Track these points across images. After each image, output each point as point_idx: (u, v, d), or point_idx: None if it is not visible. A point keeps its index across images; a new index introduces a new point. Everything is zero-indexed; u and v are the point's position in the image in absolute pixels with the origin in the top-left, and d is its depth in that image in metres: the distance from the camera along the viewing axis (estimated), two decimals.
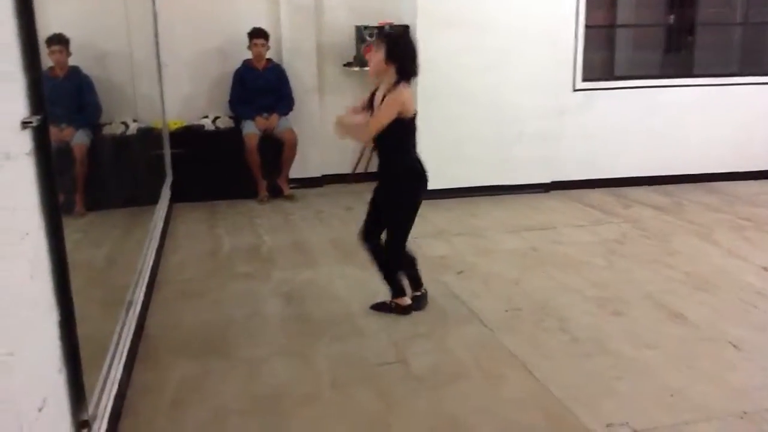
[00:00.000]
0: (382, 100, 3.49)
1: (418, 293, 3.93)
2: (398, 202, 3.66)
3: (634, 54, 7.27)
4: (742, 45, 7.31)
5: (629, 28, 7.09)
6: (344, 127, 3.67)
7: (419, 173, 3.62)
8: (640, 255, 4.87)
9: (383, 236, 3.78)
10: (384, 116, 3.43)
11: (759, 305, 3.94)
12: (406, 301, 3.85)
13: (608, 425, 2.75)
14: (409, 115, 3.49)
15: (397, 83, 3.47)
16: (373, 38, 3.75)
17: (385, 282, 3.85)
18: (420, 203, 3.69)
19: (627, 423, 2.76)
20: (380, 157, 3.67)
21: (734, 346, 3.43)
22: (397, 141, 3.54)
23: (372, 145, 3.71)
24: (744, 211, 5.97)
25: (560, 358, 3.36)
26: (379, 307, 3.91)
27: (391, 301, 3.88)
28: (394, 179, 3.63)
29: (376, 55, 3.50)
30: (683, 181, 6.92)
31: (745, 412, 2.83)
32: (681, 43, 7.13)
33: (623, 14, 6.98)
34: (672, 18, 7.01)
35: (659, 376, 3.15)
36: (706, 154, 7.01)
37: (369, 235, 3.83)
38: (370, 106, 3.64)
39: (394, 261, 3.79)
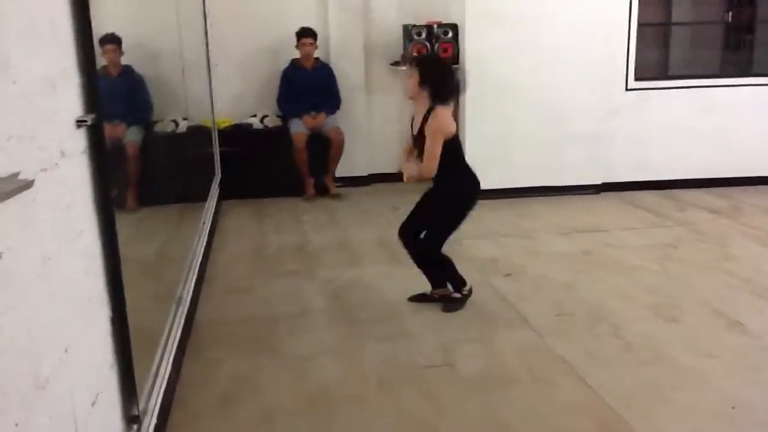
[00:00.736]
0: (421, 125, 3.58)
1: (460, 294, 3.92)
2: (448, 212, 3.74)
3: (690, 52, 7.05)
4: None
5: (685, 26, 6.88)
6: (411, 176, 3.75)
7: (471, 190, 3.73)
8: (695, 260, 4.72)
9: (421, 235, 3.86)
10: (434, 149, 3.52)
11: None
12: (449, 290, 3.89)
13: None
14: (451, 135, 3.58)
15: (432, 107, 3.55)
16: (406, 62, 3.94)
17: (424, 274, 3.90)
18: (469, 212, 3.77)
19: None
20: (434, 181, 3.72)
21: None
22: (447, 162, 3.58)
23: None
24: None
25: (614, 365, 3.26)
26: (419, 298, 3.96)
27: (432, 292, 3.92)
28: (448, 194, 3.71)
29: (410, 81, 3.58)
30: (741, 184, 6.68)
31: None
32: (740, 41, 6.90)
33: (679, 11, 6.79)
34: (730, 15, 6.78)
35: (718, 386, 3.03)
36: (764, 155, 6.76)
37: (407, 232, 3.88)
38: (411, 132, 3.76)
39: (428, 255, 3.82)
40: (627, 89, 6.52)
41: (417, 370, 3.23)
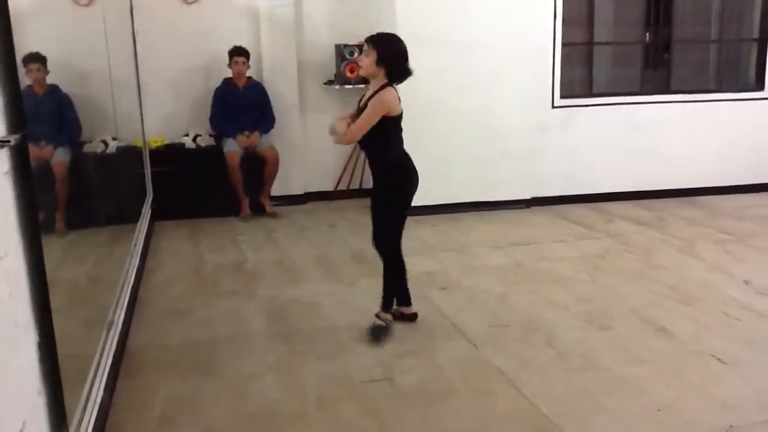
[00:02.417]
0: (366, 102, 3.56)
1: (391, 316, 3.84)
2: (389, 194, 3.65)
3: (613, 71, 7.34)
4: (718, 62, 7.42)
5: (606, 45, 7.16)
6: (335, 132, 3.65)
7: (408, 167, 3.65)
8: (623, 270, 4.89)
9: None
10: (366, 121, 3.49)
11: (742, 318, 3.96)
12: (388, 316, 3.81)
13: None
14: (395, 114, 3.52)
15: (384, 86, 3.51)
16: (358, 51, 3.77)
17: (385, 290, 3.80)
18: (410, 201, 3.70)
19: None
20: (369, 156, 3.74)
21: (719, 360, 3.43)
22: (383, 138, 3.56)
23: (360, 149, 3.82)
24: (726, 224, 6.03)
25: (547, 373, 3.34)
26: (377, 332, 3.73)
27: (380, 315, 3.80)
28: (384, 174, 3.65)
29: (367, 59, 3.52)
30: (664, 196, 6.97)
31: (731, 426, 2.83)
32: (658, 60, 7.23)
33: (602, 32, 7.06)
34: (648, 35, 7.10)
35: (647, 391, 3.14)
36: (686, 168, 7.08)
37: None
38: (359, 110, 3.66)
39: (396, 263, 3.74)
40: (553, 107, 6.73)
41: (357, 386, 3.23)
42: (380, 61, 3.49)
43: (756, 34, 7.22)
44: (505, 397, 3.10)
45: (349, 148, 7.06)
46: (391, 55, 3.51)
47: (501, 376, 3.29)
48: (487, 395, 3.12)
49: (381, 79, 3.53)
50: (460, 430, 2.85)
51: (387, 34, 3.63)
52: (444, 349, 3.61)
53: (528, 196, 6.72)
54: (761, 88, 7.18)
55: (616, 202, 6.82)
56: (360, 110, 3.63)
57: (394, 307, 3.88)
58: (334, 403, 3.08)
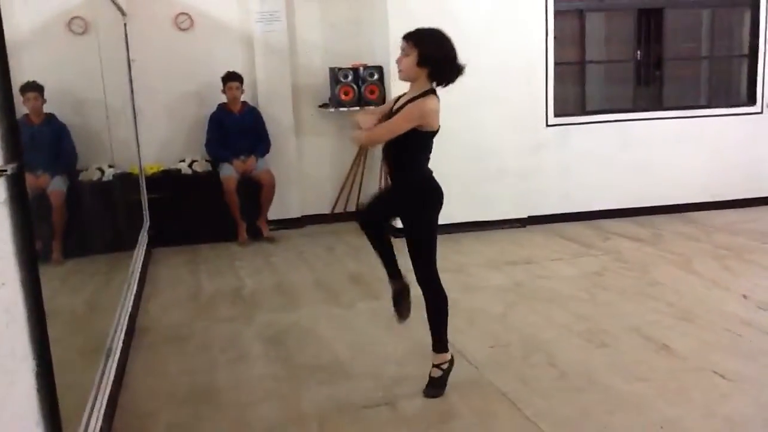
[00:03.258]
0: (404, 106, 3.08)
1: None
2: (422, 219, 3.19)
3: (606, 89, 7.39)
4: (709, 78, 7.49)
5: (599, 64, 7.21)
6: (357, 127, 3.20)
7: (436, 188, 3.20)
8: (622, 287, 4.88)
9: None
10: (397, 125, 3.01)
11: (743, 334, 3.95)
12: (445, 358, 3.31)
13: None
14: (431, 129, 3.07)
15: (427, 92, 3.05)
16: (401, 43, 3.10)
17: (436, 331, 3.28)
18: (437, 224, 3.26)
19: None
20: (391, 170, 3.27)
21: (722, 376, 3.42)
22: (411, 153, 3.11)
23: (382, 159, 3.43)
24: (722, 240, 6.04)
25: (550, 393, 3.32)
26: (437, 385, 3.29)
27: (438, 363, 3.29)
28: (412, 195, 3.19)
29: (407, 59, 3.04)
30: (660, 212, 6.99)
31: None
32: (650, 78, 7.28)
33: (594, 50, 7.12)
34: (639, 53, 7.16)
35: (650, 409, 3.12)
36: (681, 184, 7.10)
37: (371, 217, 3.40)
38: (391, 112, 3.19)
39: (437, 292, 3.24)
40: (547, 125, 6.77)
41: (358, 411, 3.20)
42: (422, 62, 3.00)
43: (746, 50, 7.28)
44: (507, 419, 3.08)
45: (344, 170, 7.08)
46: (435, 54, 3.01)
47: (503, 398, 3.26)
48: (489, 417, 3.10)
49: (424, 82, 3.05)
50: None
51: (430, 29, 3.07)
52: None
53: (524, 215, 6.73)
54: (752, 103, 7.23)
55: (612, 219, 6.83)
56: (392, 113, 3.15)
57: (392, 289, 3.47)
58: (335, 430, 3.05)
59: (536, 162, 6.68)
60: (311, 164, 7.17)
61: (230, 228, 6.56)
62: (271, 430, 3.07)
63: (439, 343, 3.30)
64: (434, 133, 3.09)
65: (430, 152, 3.17)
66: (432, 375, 3.31)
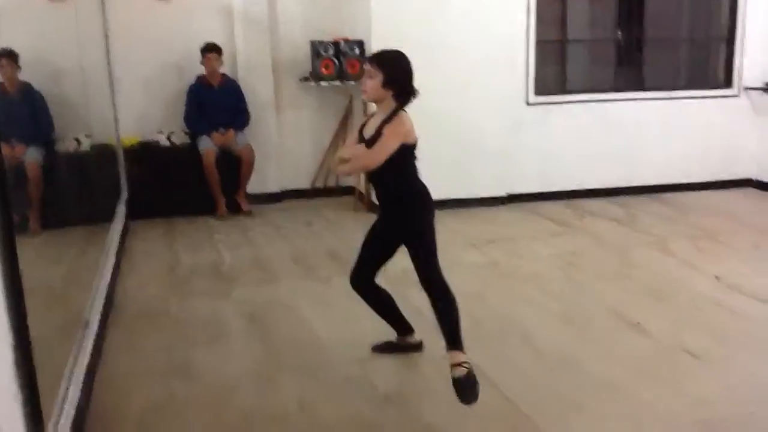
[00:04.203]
0: (379, 128, 3.11)
1: (411, 340, 3.57)
2: (421, 226, 3.23)
3: (588, 69, 7.42)
4: (689, 60, 7.53)
5: (580, 43, 7.22)
6: (345, 161, 3.26)
7: (427, 194, 3.26)
8: (597, 267, 4.95)
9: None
10: (388, 145, 3.05)
11: (714, 314, 4.03)
12: (461, 358, 3.09)
13: None
14: (412, 142, 3.15)
15: (396, 110, 3.12)
16: (365, 61, 3.30)
17: (448, 331, 3.13)
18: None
19: None
20: (384, 187, 3.27)
21: (693, 355, 3.49)
22: (400, 168, 3.15)
23: (368, 178, 3.47)
24: (697, 221, 6.13)
25: (526, 372, 3.37)
26: (466, 386, 3.00)
27: (457, 363, 3.05)
28: (408, 205, 3.23)
29: (372, 81, 3.10)
30: (637, 193, 7.06)
31: (705, 421, 2.89)
32: (631, 59, 7.31)
33: (577, 30, 7.12)
34: (620, 34, 7.18)
35: (623, 388, 3.18)
36: (658, 165, 7.17)
37: (363, 277, 3.40)
38: (361, 137, 3.23)
39: (444, 294, 3.17)
40: (528, 104, 6.78)
41: (337, 387, 3.23)
42: (388, 83, 3.08)
43: (724, 32, 7.33)
44: (485, 397, 3.10)
45: (324, 145, 7.06)
46: (399, 76, 3.11)
47: (479, 375, 3.29)
48: None
49: (389, 102, 3.12)
50: (439, 429, 2.86)
51: (392, 51, 3.18)
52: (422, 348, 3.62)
53: (503, 194, 6.77)
54: (729, 86, 7.30)
55: (590, 198, 6.89)
56: (367, 141, 3.17)
57: (396, 339, 3.58)
58: (314, 406, 3.07)
59: (516, 141, 6.70)
60: (291, 138, 7.13)
61: (209, 201, 6.52)
62: (250, 406, 3.08)
63: (455, 342, 3.11)
64: (415, 145, 3.17)
65: (415, 163, 3.24)
66: (455, 376, 3.01)
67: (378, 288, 3.43)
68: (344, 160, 3.26)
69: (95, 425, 2.91)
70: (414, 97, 3.15)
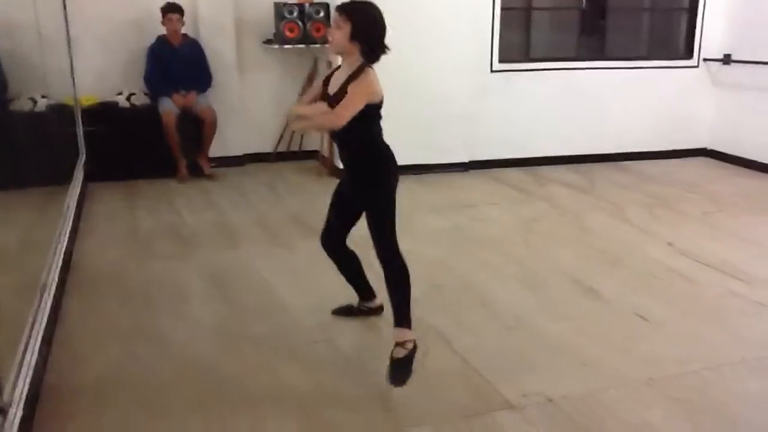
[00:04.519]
0: (344, 85, 2.92)
1: (371, 304, 3.54)
2: (381, 193, 3.07)
3: (551, 36, 7.45)
4: (651, 30, 7.62)
5: (544, 11, 7.24)
6: (304, 118, 3.09)
7: (392, 157, 3.10)
8: (555, 232, 5.05)
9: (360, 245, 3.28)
10: (354, 103, 2.86)
11: (665, 279, 4.16)
12: (407, 336, 3.02)
13: (524, 395, 2.86)
14: (378, 100, 2.96)
15: (362, 67, 2.91)
16: (333, 14, 2.96)
17: (397, 305, 3.04)
18: (395, 196, 3.13)
19: (542, 392, 2.88)
20: (346, 148, 3.11)
21: (643, 317, 3.62)
22: (364, 128, 2.98)
23: (331, 136, 3.30)
24: (653, 189, 6.27)
25: (481, 332, 3.46)
26: (398, 368, 2.94)
27: (401, 342, 3.00)
28: (370, 168, 3.06)
29: (339, 32, 2.89)
30: (597, 161, 7.18)
31: (651, 379, 3.01)
32: (594, 27, 7.37)
33: None
34: (584, 2, 7.22)
35: (574, 347, 3.30)
36: (618, 134, 7.29)
37: (333, 239, 3.33)
38: (325, 92, 3.06)
39: (399, 268, 3.07)
40: (492, 71, 6.81)
41: (297, 347, 3.28)
42: (355, 36, 2.87)
43: (686, 3, 7.42)
44: (440, 355, 3.20)
45: (288, 108, 6.99)
46: (368, 29, 2.90)
47: (436, 336, 3.38)
48: (422, 354, 3.18)
49: (356, 57, 2.92)
50: (397, 389, 2.91)
51: (365, 2, 2.95)
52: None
53: (466, 160, 6.82)
54: (689, 56, 7.42)
55: (550, 165, 7.00)
56: (330, 97, 3.00)
57: (357, 303, 3.56)
58: (274, 365, 3.12)
59: (480, 107, 6.74)
60: (254, 101, 7.06)
61: (170, 164, 6.46)
62: (209, 367, 3.11)
63: (403, 318, 3.03)
64: (381, 103, 2.98)
65: (380, 121, 3.06)
66: (394, 355, 2.96)
67: (348, 251, 3.38)
68: (301, 117, 3.08)
69: (54, 384, 2.92)
70: (383, 53, 2.95)
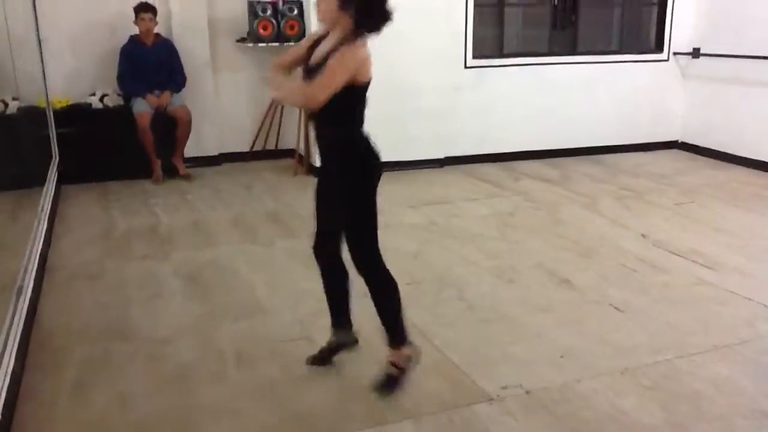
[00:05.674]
0: (327, 56, 2.52)
1: (345, 338, 3.06)
2: (357, 188, 2.68)
3: (524, 31, 7.51)
4: (621, 24, 7.72)
5: (517, 6, 7.30)
6: (281, 87, 2.79)
7: (374, 151, 2.73)
8: (530, 226, 5.11)
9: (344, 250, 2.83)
10: (333, 79, 2.45)
11: (638, 270, 4.24)
12: (404, 352, 2.80)
13: (503, 387, 2.91)
14: (365, 80, 2.58)
15: (350, 37, 2.51)
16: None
17: (387, 323, 2.78)
18: (375, 196, 2.75)
19: (521, 384, 2.93)
20: (323, 137, 2.72)
21: (617, 308, 3.69)
22: (345, 115, 2.60)
23: (309, 116, 2.91)
24: (626, 181, 6.36)
25: (458, 325, 3.50)
26: (386, 385, 2.78)
27: (393, 361, 2.79)
28: (348, 166, 2.68)
29: (327, 2, 2.54)
30: (570, 154, 7.27)
31: (626, 368, 3.06)
32: (566, 21, 7.44)
33: None
34: None
35: (550, 338, 3.35)
36: (591, 128, 7.39)
37: (325, 247, 2.90)
38: (308, 59, 2.67)
39: (383, 280, 2.75)
40: (466, 67, 6.85)
41: (275, 345, 3.29)
42: (346, 4, 2.51)
43: None
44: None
45: (263, 107, 6.99)
46: None
47: (414, 329, 3.38)
48: None
49: (345, 27, 2.54)
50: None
51: None
52: (360, 307, 3.67)
53: (441, 156, 6.87)
54: (660, 50, 7.53)
55: (524, 160, 7.07)
56: (310, 67, 2.62)
57: (328, 343, 3.08)
58: (252, 363, 3.13)
59: (454, 103, 6.78)
60: (229, 101, 7.04)
61: (144, 165, 6.41)
62: (188, 364, 3.12)
63: (396, 335, 2.77)
64: (368, 85, 2.62)
65: (365, 109, 2.70)
66: (386, 373, 2.81)
67: (341, 265, 2.92)
68: (280, 84, 2.77)
69: (32, 386, 2.90)
70: (381, 25, 2.55)
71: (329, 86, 2.45)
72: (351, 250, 2.70)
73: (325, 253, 2.91)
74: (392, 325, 2.76)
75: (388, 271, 2.74)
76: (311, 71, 2.57)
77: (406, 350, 2.80)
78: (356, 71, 2.51)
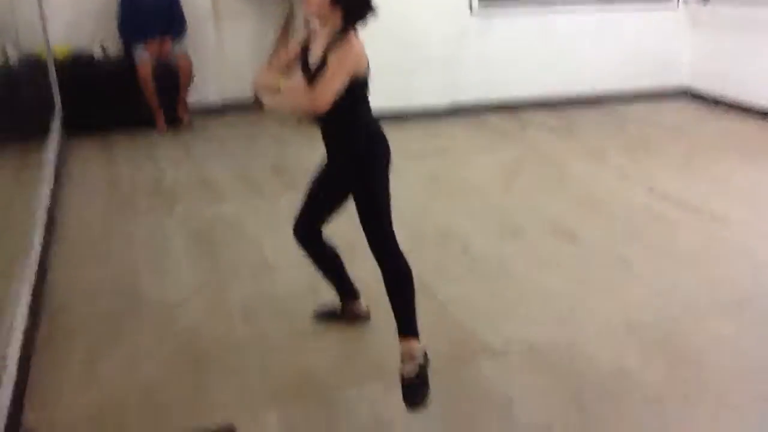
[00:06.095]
0: (325, 55, 2.48)
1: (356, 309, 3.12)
2: (372, 180, 2.65)
3: None
4: None
5: None
6: (276, 94, 2.70)
7: (383, 139, 2.71)
8: (536, 179, 5.07)
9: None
10: (337, 80, 2.41)
11: (646, 224, 4.22)
12: (416, 349, 2.63)
13: (506, 342, 2.93)
14: (364, 73, 2.55)
15: (343, 33, 2.48)
16: None
17: (399, 311, 2.69)
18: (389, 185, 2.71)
19: (524, 340, 2.95)
20: (328, 130, 2.66)
21: (624, 262, 3.68)
22: (349, 107, 2.53)
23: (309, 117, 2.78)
24: (634, 132, 6.29)
25: (462, 281, 3.51)
26: (412, 388, 2.54)
27: (409, 355, 2.61)
28: (358, 153, 2.63)
29: None
30: (578, 103, 7.17)
31: (629, 325, 3.08)
32: None
33: None
34: None
35: (555, 294, 3.36)
36: (599, 76, 7.26)
37: (308, 228, 2.89)
38: (304, 63, 2.60)
39: (397, 268, 2.69)
40: (471, 14, 6.71)
41: (282, 302, 3.31)
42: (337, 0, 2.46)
43: None
44: (422, 305, 3.19)
45: (266, 54, 6.87)
46: None
47: (418, 285, 3.37)
48: None
49: (337, 22, 2.49)
50: (379, 337, 2.97)
51: None
52: (365, 263, 3.67)
53: (446, 104, 6.78)
54: None
55: (531, 109, 6.97)
56: (312, 71, 2.54)
57: (339, 309, 3.14)
58: (260, 321, 3.15)
59: (460, 51, 6.67)
60: (231, 49, 6.93)
61: (148, 115, 6.37)
62: (197, 323, 3.14)
63: (408, 326, 2.67)
64: (368, 74, 2.58)
65: (368, 94, 2.65)
66: (405, 375, 2.56)
67: (324, 243, 2.95)
68: (272, 89, 2.69)
69: (46, 347, 2.94)
70: (368, 16, 2.55)
71: (334, 88, 2.41)
72: (368, 234, 2.66)
73: (307, 234, 2.90)
74: (403, 314, 2.70)
75: (404, 258, 2.71)
76: (314, 72, 2.52)
77: (418, 343, 2.66)
78: (356, 65, 2.49)
